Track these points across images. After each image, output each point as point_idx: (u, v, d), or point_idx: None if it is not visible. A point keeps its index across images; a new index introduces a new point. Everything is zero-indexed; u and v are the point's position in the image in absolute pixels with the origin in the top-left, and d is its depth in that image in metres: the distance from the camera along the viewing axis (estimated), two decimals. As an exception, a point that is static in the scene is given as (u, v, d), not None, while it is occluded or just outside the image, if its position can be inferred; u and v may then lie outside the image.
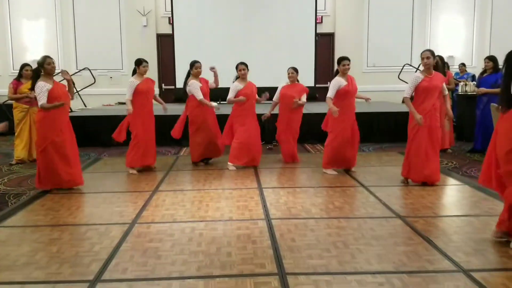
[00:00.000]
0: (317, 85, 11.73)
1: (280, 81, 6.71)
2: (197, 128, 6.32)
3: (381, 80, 12.17)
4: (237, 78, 6.31)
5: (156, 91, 6.75)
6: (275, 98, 6.62)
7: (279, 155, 6.98)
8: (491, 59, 7.32)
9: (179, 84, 6.91)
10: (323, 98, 8.55)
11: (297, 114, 6.59)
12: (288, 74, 6.50)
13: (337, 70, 5.81)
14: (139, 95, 5.94)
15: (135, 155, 6.04)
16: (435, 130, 5.09)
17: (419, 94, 5.12)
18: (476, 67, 11.76)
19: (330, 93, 5.67)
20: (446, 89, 5.37)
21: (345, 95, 5.68)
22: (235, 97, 6.22)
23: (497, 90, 7.21)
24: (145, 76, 6.08)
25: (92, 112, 9.42)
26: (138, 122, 5.99)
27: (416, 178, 5.20)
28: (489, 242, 3.41)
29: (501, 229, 3.38)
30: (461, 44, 12.71)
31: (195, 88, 6.15)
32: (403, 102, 5.39)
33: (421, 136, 5.06)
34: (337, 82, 5.68)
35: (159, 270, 2.99)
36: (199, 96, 6.12)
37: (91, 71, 11.19)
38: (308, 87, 6.81)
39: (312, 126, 8.01)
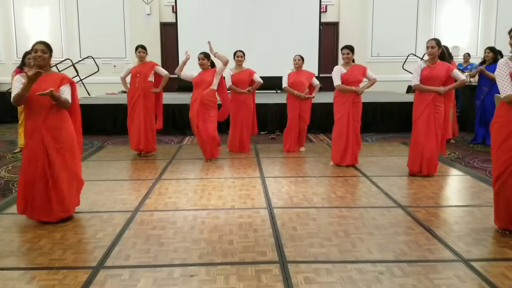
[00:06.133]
0: (321, 75, 11.66)
1: (284, 70, 6.66)
2: None
3: (385, 70, 12.07)
4: None
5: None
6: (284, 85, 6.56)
7: (281, 145, 6.94)
8: (492, 49, 7.35)
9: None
10: (327, 88, 8.54)
11: (306, 102, 6.57)
12: (294, 60, 6.50)
13: None
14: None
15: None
16: (434, 121, 4.97)
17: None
18: (482, 57, 11.65)
19: (336, 81, 5.58)
20: (459, 74, 5.02)
21: (344, 84, 5.59)
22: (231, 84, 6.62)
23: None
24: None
25: (96, 101, 9.42)
26: None
27: (414, 168, 5.15)
28: (490, 232, 3.42)
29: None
30: (467, 34, 12.61)
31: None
32: (413, 91, 5.30)
33: (420, 126, 5.02)
34: (338, 70, 5.61)
35: (161, 257, 3.02)
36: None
37: (95, 59, 11.17)
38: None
39: (315, 116, 8.01)
